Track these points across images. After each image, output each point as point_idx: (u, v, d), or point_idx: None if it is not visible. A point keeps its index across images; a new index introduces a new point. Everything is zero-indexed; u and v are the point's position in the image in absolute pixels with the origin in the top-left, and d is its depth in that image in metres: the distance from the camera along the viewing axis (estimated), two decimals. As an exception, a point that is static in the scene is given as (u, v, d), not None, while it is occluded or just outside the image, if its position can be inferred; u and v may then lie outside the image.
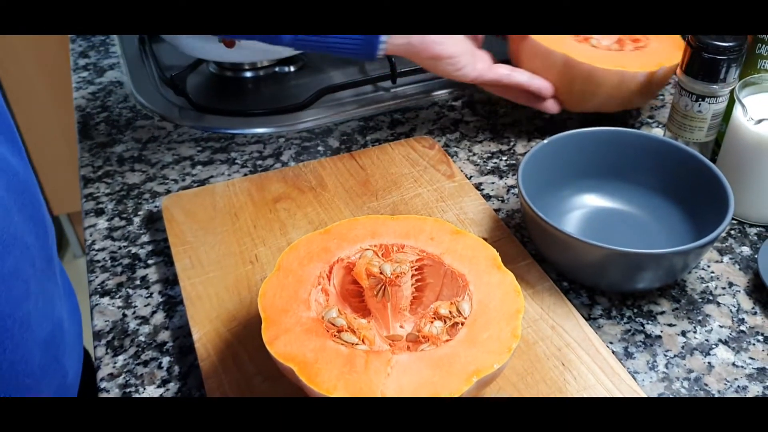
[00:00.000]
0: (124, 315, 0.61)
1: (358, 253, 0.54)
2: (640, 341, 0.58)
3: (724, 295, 0.62)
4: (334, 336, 0.48)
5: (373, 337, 0.50)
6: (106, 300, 0.63)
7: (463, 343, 0.47)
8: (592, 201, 0.70)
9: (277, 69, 0.96)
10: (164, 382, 0.55)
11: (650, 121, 0.85)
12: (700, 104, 0.69)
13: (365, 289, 0.53)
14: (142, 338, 0.59)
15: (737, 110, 0.66)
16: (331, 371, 0.45)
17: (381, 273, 0.52)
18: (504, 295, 0.50)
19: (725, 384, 0.55)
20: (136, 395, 0.54)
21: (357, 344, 0.48)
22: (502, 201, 0.73)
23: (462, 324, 0.49)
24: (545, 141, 0.66)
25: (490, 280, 0.51)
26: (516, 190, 0.75)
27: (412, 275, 0.54)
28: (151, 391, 0.55)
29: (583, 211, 0.69)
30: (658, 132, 0.82)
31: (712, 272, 0.65)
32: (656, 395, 0.54)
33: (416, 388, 0.44)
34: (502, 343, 0.47)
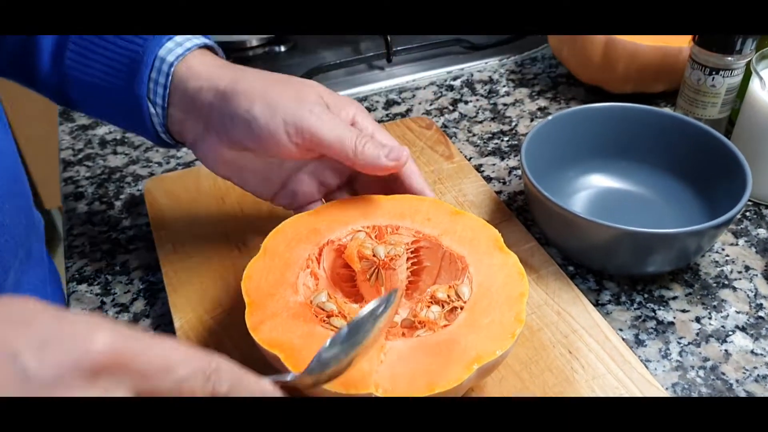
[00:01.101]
0: (103, 302, 0.58)
1: (349, 234, 0.50)
2: (652, 328, 0.55)
3: (740, 279, 0.59)
4: (324, 321, 0.45)
5: None
6: (83, 287, 0.59)
7: (463, 328, 0.44)
8: (598, 181, 0.66)
9: (267, 49, 0.92)
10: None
11: (658, 99, 0.81)
12: (713, 78, 0.65)
13: (357, 273, 0.49)
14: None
15: (754, 83, 0.62)
16: None
17: (374, 256, 0.48)
18: (506, 277, 0.46)
19: (744, 373, 0.51)
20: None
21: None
22: (504, 183, 0.70)
23: (461, 309, 0.45)
24: (549, 118, 0.63)
25: (491, 261, 0.48)
26: (518, 172, 0.71)
27: (408, 258, 0.50)
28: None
29: (589, 192, 0.65)
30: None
31: (727, 255, 0.61)
32: (670, 385, 0.50)
33: (412, 377, 0.41)
34: (504, 329, 0.43)
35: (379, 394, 0.40)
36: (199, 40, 0.52)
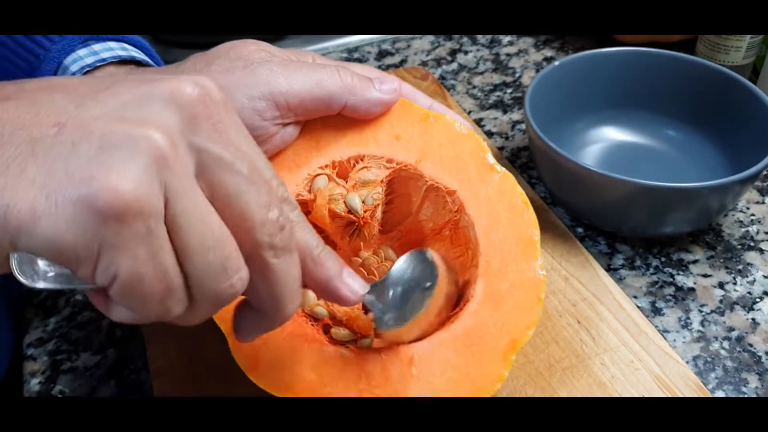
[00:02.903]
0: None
1: (307, 183, 0.41)
2: (670, 295, 0.49)
3: (767, 241, 0.53)
4: (323, 334, 0.38)
5: (367, 322, 0.39)
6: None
7: (485, 304, 0.38)
8: (611, 134, 0.60)
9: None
10: (102, 348, 0.47)
11: (675, 50, 0.74)
12: (739, 17, 0.59)
13: (330, 234, 0.43)
14: (79, 297, 0.50)
15: (785, 22, 0.56)
16: (346, 392, 0.35)
17: (350, 212, 0.41)
18: (510, 212, 0.40)
19: (773, 344, 0.46)
20: (68, 363, 0.46)
21: (357, 339, 0.38)
22: (507, 138, 0.64)
23: (475, 267, 0.39)
24: (556, 63, 0.57)
25: (488, 191, 0.40)
26: (522, 126, 0.65)
27: (385, 191, 0.43)
28: (86, 359, 0.46)
29: (601, 146, 0.59)
30: (684, 60, 0.72)
31: (753, 215, 0.55)
32: (691, 358, 0.45)
33: (453, 388, 0.35)
34: (528, 291, 0.38)
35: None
36: (125, 52, 0.42)
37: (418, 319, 0.36)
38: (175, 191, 0.24)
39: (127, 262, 0.24)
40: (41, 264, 0.25)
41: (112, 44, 0.42)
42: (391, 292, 0.35)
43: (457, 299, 0.40)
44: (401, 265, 0.36)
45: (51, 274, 0.25)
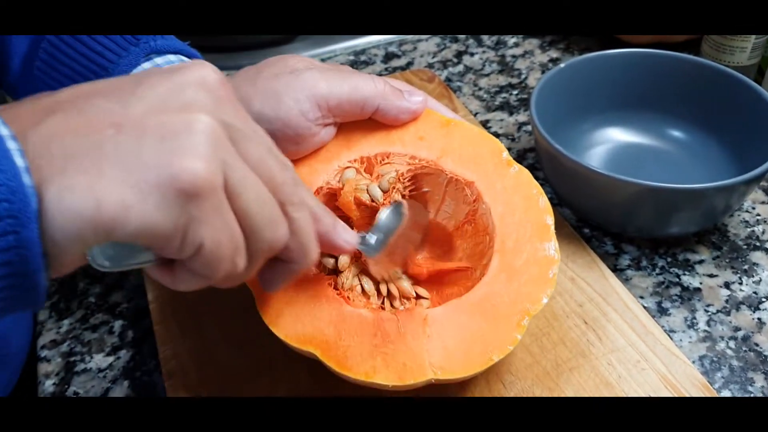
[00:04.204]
0: (73, 273, 0.53)
1: (337, 174, 0.44)
2: (676, 295, 0.49)
3: (773, 240, 0.53)
4: (345, 295, 0.40)
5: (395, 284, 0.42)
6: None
7: (499, 276, 0.40)
8: (617, 135, 0.60)
9: (259, 2, 0.86)
10: (114, 350, 0.47)
11: (680, 50, 0.74)
12: (744, 18, 0.59)
13: (355, 220, 0.45)
14: (92, 299, 0.51)
15: (790, 23, 0.56)
16: (361, 347, 0.37)
17: (372, 201, 0.44)
18: (525, 200, 0.42)
19: (779, 343, 0.46)
20: (82, 365, 0.46)
21: (371, 297, 0.41)
22: (513, 140, 0.64)
23: (490, 247, 0.41)
24: (561, 65, 0.57)
25: (504, 183, 0.43)
26: (528, 128, 0.65)
27: (405, 186, 0.45)
28: (99, 360, 0.47)
29: (607, 147, 0.60)
30: (689, 60, 0.72)
31: (758, 215, 0.55)
32: (697, 358, 0.45)
33: (465, 349, 0.37)
34: (542, 267, 0.39)
35: (439, 376, 0.36)
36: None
37: (391, 244, 0.41)
38: (229, 163, 0.27)
39: (209, 232, 0.27)
40: (98, 252, 0.27)
41: (171, 57, 0.45)
42: (376, 236, 0.40)
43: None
44: (384, 216, 0.41)
45: (107, 263, 0.27)
